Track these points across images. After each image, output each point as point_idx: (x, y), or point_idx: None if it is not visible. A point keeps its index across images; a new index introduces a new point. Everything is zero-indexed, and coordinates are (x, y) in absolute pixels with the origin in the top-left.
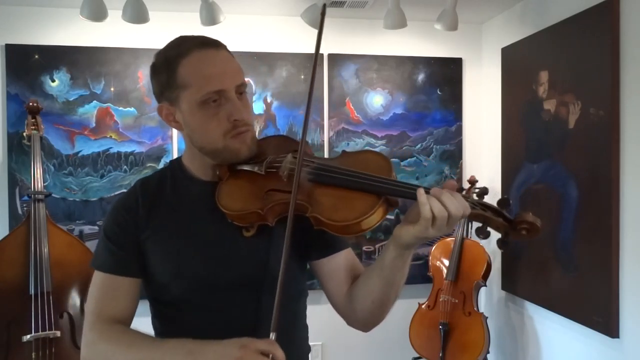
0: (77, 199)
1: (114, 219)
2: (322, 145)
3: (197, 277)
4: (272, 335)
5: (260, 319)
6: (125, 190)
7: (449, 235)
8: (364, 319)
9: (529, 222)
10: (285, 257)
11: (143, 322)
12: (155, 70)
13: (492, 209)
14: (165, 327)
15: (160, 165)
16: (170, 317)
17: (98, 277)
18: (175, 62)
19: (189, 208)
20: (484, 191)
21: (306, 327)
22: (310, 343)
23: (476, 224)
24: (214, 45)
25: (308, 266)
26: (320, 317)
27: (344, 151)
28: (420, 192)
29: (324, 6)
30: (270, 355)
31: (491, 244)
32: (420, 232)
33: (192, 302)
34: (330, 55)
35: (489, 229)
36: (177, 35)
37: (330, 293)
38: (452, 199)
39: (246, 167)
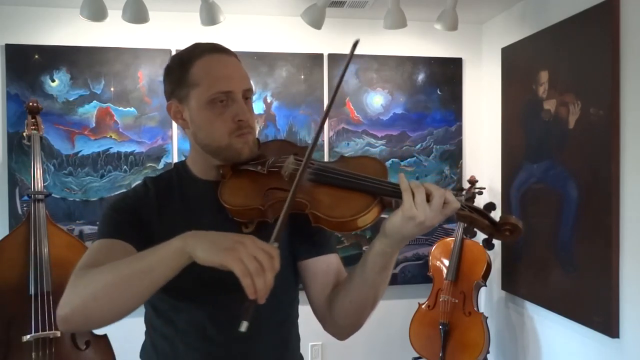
0: (77, 199)
1: (124, 196)
2: (322, 145)
3: (198, 270)
4: (275, 245)
5: (260, 314)
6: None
7: (449, 235)
8: (340, 321)
9: (512, 224)
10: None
11: (139, 323)
12: (169, 70)
13: (479, 211)
14: (163, 321)
15: (161, 166)
16: (169, 313)
17: (93, 244)
18: (189, 62)
19: (193, 206)
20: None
21: (299, 337)
22: (310, 343)
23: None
24: (226, 52)
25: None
26: None
27: (342, 155)
28: (401, 175)
29: (357, 41)
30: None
31: None
32: (405, 211)
33: (191, 296)
34: (330, 55)
35: (475, 229)
36: (178, 35)
37: (311, 294)
38: (430, 184)
39: (248, 167)
